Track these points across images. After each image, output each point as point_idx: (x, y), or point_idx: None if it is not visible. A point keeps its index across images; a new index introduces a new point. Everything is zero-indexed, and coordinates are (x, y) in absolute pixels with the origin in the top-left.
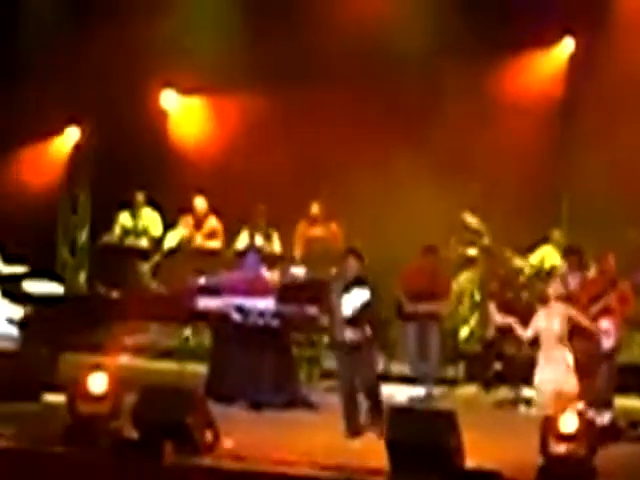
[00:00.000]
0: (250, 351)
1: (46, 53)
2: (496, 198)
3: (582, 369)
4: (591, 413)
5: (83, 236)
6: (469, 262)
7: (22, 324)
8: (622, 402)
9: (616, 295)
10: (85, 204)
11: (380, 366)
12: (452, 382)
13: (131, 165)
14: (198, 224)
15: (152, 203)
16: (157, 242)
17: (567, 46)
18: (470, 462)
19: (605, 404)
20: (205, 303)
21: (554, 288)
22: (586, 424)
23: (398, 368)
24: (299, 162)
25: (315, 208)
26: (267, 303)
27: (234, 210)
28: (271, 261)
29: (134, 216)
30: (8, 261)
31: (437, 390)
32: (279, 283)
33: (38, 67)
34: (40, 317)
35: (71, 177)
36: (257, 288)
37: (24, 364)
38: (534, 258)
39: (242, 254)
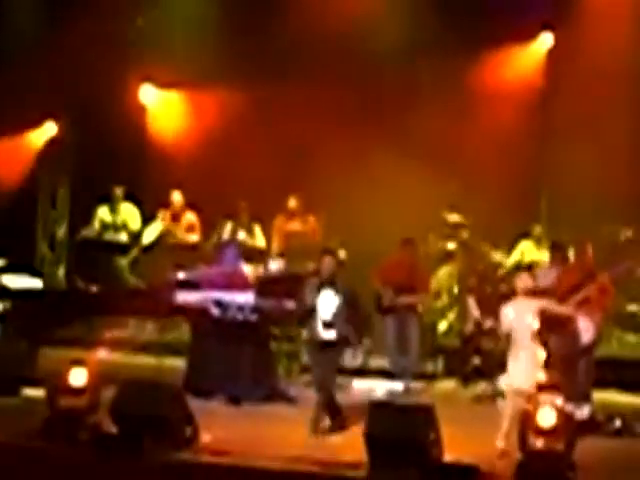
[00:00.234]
0: (229, 345)
1: (24, 48)
2: (476, 193)
3: (560, 363)
4: (570, 407)
5: (62, 231)
6: (448, 257)
7: (1, 318)
8: (601, 396)
9: (596, 287)
10: (64, 199)
11: (359, 360)
12: (431, 377)
13: (110, 160)
14: (175, 218)
15: (131, 197)
16: (136, 237)
17: (545, 41)
18: (448, 456)
19: (584, 398)
20: (184, 297)
21: (523, 281)
22: (565, 418)
23: (377, 362)
24: (277, 156)
25: (292, 202)
26: (246, 297)
27: (213, 204)
28: (253, 255)
29: (113, 211)
30: None
31: (416, 384)
32: (258, 277)
33: (16, 61)
34: (19, 311)
35: (50, 172)
36: (236, 282)
37: (3, 358)
38: (515, 253)
39: (220, 248)
